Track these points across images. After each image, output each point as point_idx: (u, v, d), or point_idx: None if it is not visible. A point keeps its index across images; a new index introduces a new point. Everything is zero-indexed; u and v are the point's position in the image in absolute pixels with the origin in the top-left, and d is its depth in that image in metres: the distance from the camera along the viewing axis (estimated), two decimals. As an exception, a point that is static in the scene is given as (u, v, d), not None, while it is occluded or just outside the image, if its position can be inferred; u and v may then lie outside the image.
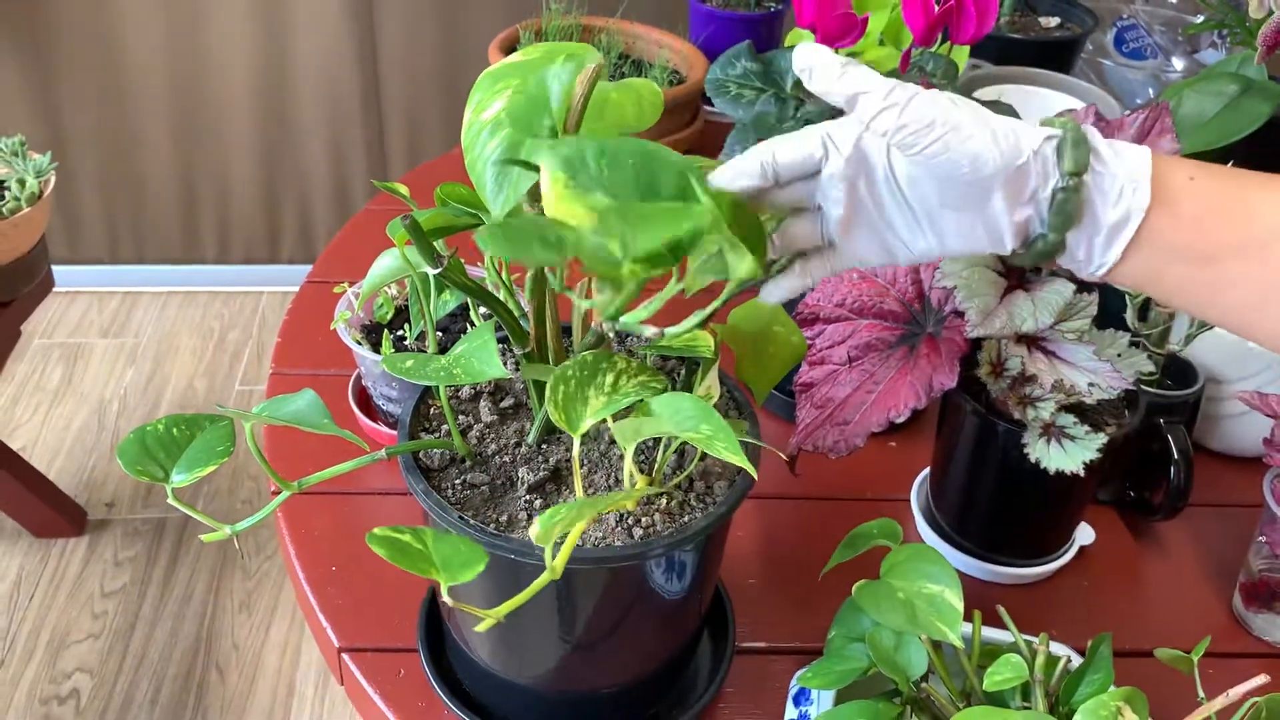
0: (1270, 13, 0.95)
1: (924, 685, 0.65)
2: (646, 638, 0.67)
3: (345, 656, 0.75)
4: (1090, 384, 0.68)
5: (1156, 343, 0.85)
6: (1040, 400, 0.72)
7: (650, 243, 0.45)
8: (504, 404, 0.67)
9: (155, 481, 0.60)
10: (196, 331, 2.22)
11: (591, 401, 0.56)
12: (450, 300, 0.71)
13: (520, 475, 0.62)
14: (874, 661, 0.64)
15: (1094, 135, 0.50)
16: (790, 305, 0.81)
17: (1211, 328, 0.84)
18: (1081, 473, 0.70)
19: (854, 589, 0.66)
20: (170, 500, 0.59)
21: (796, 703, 0.68)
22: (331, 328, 0.87)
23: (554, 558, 0.52)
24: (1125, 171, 0.49)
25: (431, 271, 0.55)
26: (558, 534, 0.51)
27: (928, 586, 0.65)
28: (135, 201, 2.23)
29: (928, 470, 0.89)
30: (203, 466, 0.60)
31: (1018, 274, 0.75)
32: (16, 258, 1.51)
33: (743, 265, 0.49)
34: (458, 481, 0.62)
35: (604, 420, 0.55)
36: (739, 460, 0.51)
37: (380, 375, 0.88)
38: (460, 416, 0.66)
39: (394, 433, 0.91)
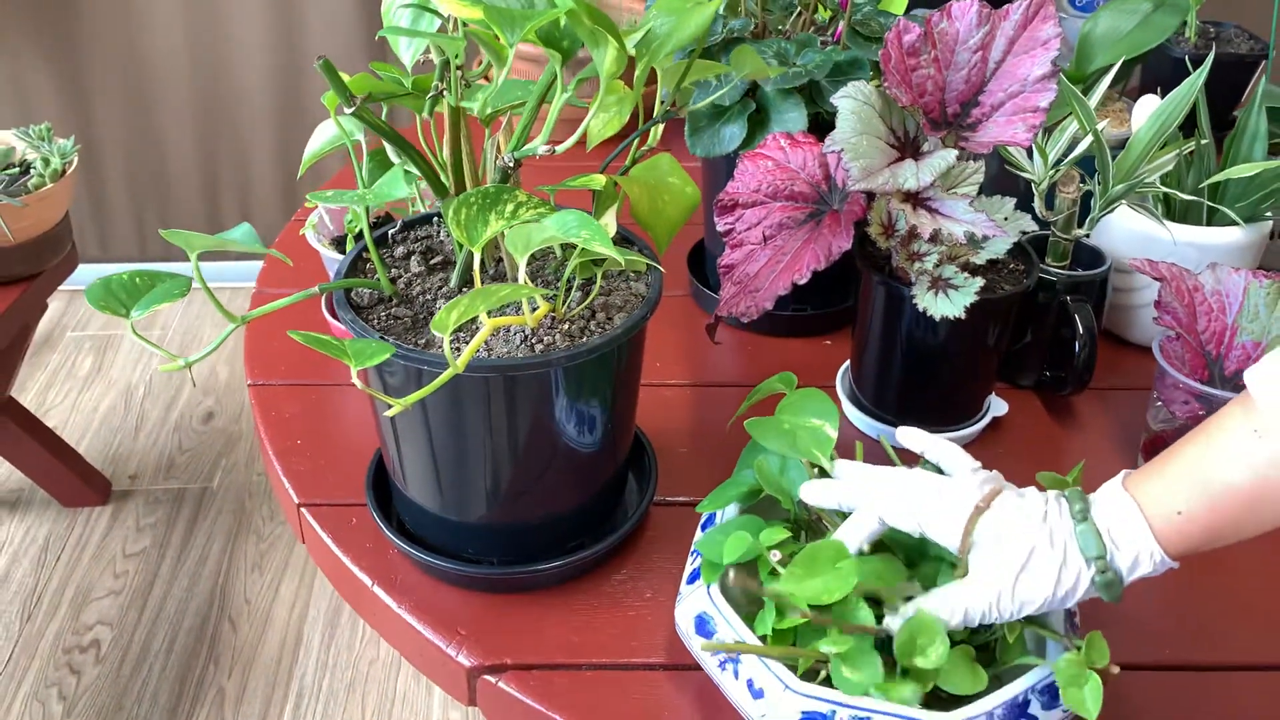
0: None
1: (815, 508, 0.71)
2: (564, 475, 0.73)
3: (304, 510, 0.82)
4: (966, 231, 0.74)
5: (1063, 228, 0.91)
6: (926, 255, 0.78)
7: (525, 26, 0.54)
8: (433, 261, 0.75)
9: (116, 315, 0.68)
10: (220, 323, 2.33)
11: (492, 224, 0.63)
12: (398, 177, 0.79)
13: (439, 307, 0.69)
14: (760, 483, 0.70)
15: (1115, 558, 0.60)
16: (710, 194, 0.88)
17: (1112, 210, 0.90)
18: (963, 315, 0.76)
19: (747, 424, 0.73)
20: (130, 333, 0.67)
21: (703, 528, 0.74)
22: (300, 234, 0.96)
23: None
24: (1140, 566, 0.59)
25: (347, 111, 0.63)
26: (454, 321, 0.58)
27: (811, 420, 0.71)
28: (161, 201, 2.35)
29: (849, 362, 0.95)
30: (159, 303, 0.68)
31: (913, 148, 0.82)
32: (42, 232, 1.62)
33: (608, 56, 0.57)
34: (383, 314, 0.69)
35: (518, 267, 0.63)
36: (611, 251, 0.58)
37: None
38: (391, 269, 0.74)
39: (362, 335, 0.99)
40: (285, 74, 2.20)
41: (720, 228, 0.86)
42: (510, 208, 0.63)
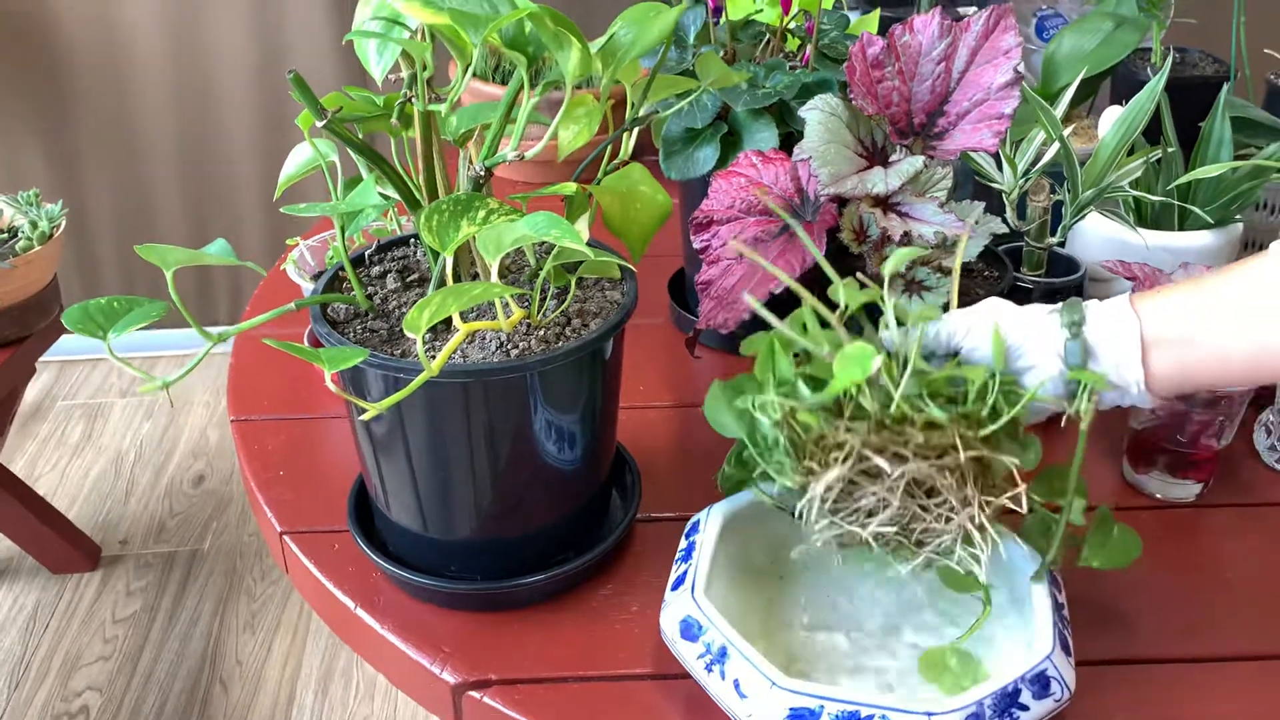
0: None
1: None
2: (545, 489, 0.73)
3: (286, 538, 0.82)
4: (936, 233, 0.75)
5: (1036, 237, 0.92)
6: (899, 258, 0.79)
7: (488, 26, 0.55)
8: (410, 279, 0.75)
9: (94, 337, 0.68)
10: (210, 388, 2.33)
11: (464, 229, 0.64)
12: (371, 211, 0.79)
13: (415, 320, 0.70)
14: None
15: (1089, 326, 0.64)
16: (688, 217, 0.89)
17: (1083, 217, 0.91)
18: (938, 315, 0.77)
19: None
20: (108, 355, 0.67)
21: (688, 535, 0.74)
22: (280, 269, 0.96)
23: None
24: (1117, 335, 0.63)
25: (319, 124, 0.64)
26: (426, 320, 0.59)
27: None
28: (153, 270, 2.36)
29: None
30: (136, 324, 0.69)
31: (881, 157, 0.83)
32: (30, 295, 1.63)
33: (572, 58, 0.58)
34: (359, 328, 0.70)
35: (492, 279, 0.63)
36: (581, 246, 0.59)
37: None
38: (368, 288, 0.74)
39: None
40: (273, 140, 2.23)
41: (696, 245, 0.87)
42: (482, 214, 0.64)
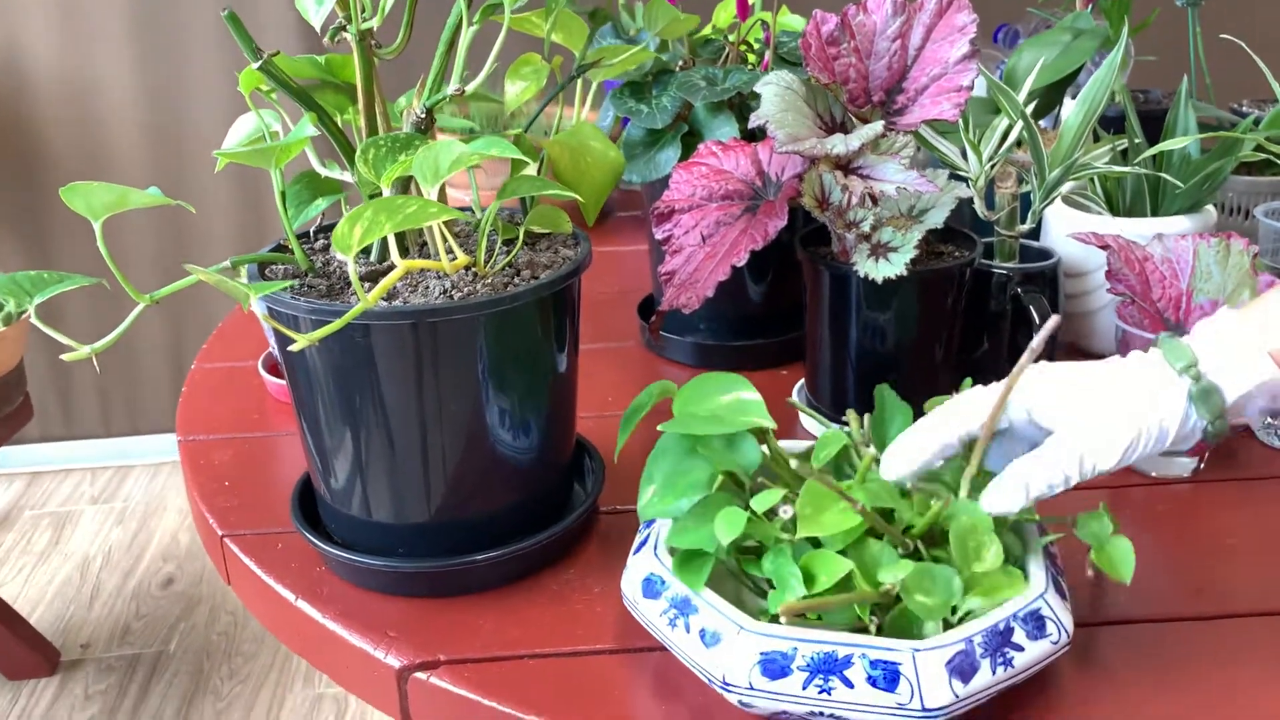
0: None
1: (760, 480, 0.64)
2: (498, 463, 0.68)
3: (227, 541, 0.76)
4: (898, 188, 0.73)
5: (1006, 225, 0.90)
6: (862, 221, 0.76)
7: None
8: (356, 249, 0.73)
9: (16, 299, 0.65)
10: (184, 493, 2.26)
11: (401, 161, 0.61)
12: (322, 202, 0.77)
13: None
14: (715, 466, 0.63)
15: (1214, 370, 0.56)
16: (652, 196, 0.87)
17: (1053, 201, 0.89)
18: (905, 272, 0.74)
19: (660, 428, 0.66)
20: (32, 319, 0.64)
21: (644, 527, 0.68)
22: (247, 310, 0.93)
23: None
24: (1247, 376, 0.56)
25: (254, 65, 0.62)
26: (358, 239, 0.56)
27: (721, 398, 0.66)
28: (128, 374, 2.33)
29: (804, 379, 0.92)
30: (60, 290, 0.66)
31: (841, 127, 0.82)
32: (-7, 378, 1.59)
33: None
34: (299, 285, 0.66)
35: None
36: (519, 155, 0.56)
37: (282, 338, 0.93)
38: (314, 257, 0.71)
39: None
40: (251, 232, 2.23)
41: (659, 235, 0.84)
42: (422, 151, 0.62)
